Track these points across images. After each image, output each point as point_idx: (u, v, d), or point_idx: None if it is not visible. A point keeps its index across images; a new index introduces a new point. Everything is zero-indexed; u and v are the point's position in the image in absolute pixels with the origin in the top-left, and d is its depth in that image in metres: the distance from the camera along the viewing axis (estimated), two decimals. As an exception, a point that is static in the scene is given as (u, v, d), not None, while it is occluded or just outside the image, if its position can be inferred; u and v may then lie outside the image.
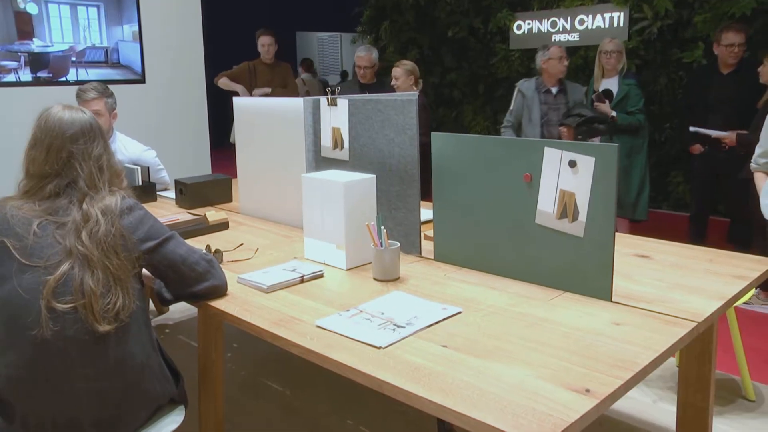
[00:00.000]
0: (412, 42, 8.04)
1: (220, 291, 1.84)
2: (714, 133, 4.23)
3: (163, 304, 1.83)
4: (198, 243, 2.40)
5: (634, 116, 4.51)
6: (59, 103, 1.72)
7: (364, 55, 4.97)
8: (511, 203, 1.95)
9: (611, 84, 4.62)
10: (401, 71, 4.68)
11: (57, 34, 4.66)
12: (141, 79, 5.06)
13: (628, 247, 2.31)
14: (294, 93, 5.74)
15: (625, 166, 4.50)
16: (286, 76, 5.78)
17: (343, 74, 13.40)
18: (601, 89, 4.63)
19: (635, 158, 4.55)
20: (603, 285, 1.78)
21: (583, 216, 1.78)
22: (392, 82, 4.72)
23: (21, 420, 1.52)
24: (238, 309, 1.77)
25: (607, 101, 4.55)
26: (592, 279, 1.79)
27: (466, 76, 7.82)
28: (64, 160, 1.62)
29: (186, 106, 5.36)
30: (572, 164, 1.78)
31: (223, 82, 5.56)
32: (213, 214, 2.67)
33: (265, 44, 5.64)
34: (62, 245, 1.55)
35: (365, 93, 3.77)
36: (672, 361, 3.11)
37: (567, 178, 1.80)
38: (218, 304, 1.81)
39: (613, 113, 4.48)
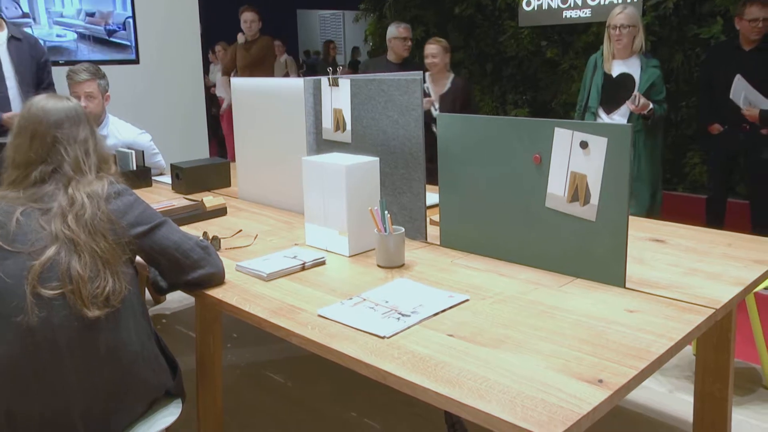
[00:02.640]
0: (417, 19, 7.99)
1: (217, 279, 1.84)
2: (745, 105, 4.14)
3: (158, 292, 1.83)
4: (195, 229, 2.40)
5: (661, 106, 3.82)
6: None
7: (402, 27, 4.86)
8: (520, 186, 1.93)
9: (626, 67, 3.90)
10: (438, 48, 4.54)
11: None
12: (135, 60, 5.05)
13: (642, 231, 2.30)
14: (268, 70, 5.71)
15: (640, 171, 3.90)
16: (260, 50, 5.73)
17: (354, 50, 13.33)
18: (615, 74, 3.90)
19: (652, 157, 3.92)
20: (616, 271, 1.77)
21: (595, 199, 1.76)
22: (428, 61, 4.62)
23: (5, 415, 1.51)
24: (237, 298, 1.76)
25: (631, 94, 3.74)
26: (605, 264, 1.78)
27: (473, 55, 7.78)
28: (48, 146, 1.62)
29: (182, 88, 5.35)
30: (584, 145, 1.76)
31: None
32: (210, 200, 2.66)
33: (247, 20, 5.62)
34: (47, 231, 1.55)
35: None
36: (689, 350, 3.11)
37: (578, 159, 1.78)
38: (215, 293, 1.80)
39: (651, 106, 3.72)
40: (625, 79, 3.83)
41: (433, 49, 4.58)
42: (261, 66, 5.61)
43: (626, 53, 3.84)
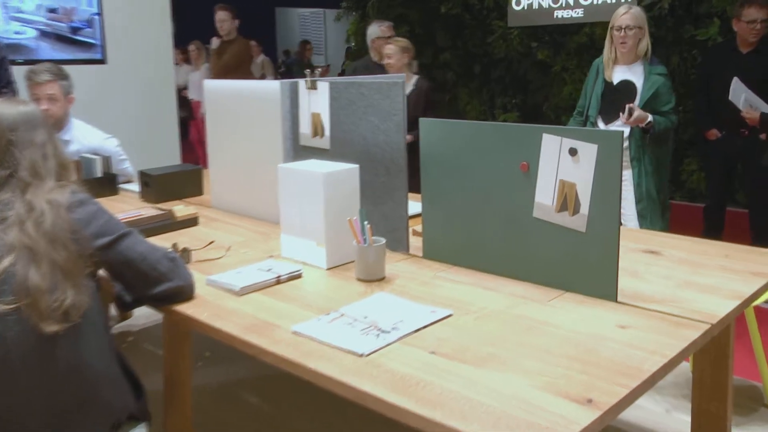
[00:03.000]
0: (402, 19, 8.02)
1: (185, 293, 1.83)
2: (745, 107, 4.15)
3: (123, 308, 1.82)
4: (164, 241, 2.39)
5: (668, 118, 3.64)
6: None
7: (385, 26, 4.88)
8: (506, 195, 1.94)
9: (630, 73, 3.72)
10: (394, 49, 4.62)
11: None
12: (101, 60, 5.03)
13: (635, 242, 2.31)
14: (245, 75, 5.70)
15: (663, 183, 3.75)
16: (234, 57, 5.72)
17: (349, 52, 13.27)
18: (616, 81, 3.73)
19: (659, 173, 3.74)
20: (607, 284, 1.78)
21: (585, 209, 1.77)
22: (384, 62, 4.68)
23: None
24: (207, 314, 1.76)
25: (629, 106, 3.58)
26: (596, 277, 1.79)
27: (460, 56, 7.81)
28: (2, 150, 1.61)
29: (153, 90, 5.33)
30: (573, 152, 1.77)
31: None
32: (181, 209, 2.65)
33: (218, 20, 5.61)
34: (2, 241, 1.53)
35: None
36: (687, 367, 3.12)
37: (567, 167, 1.79)
38: (184, 308, 1.79)
39: (650, 118, 3.56)
40: (626, 87, 3.69)
41: (389, 49, 4.63)
42: (236, 72, 5.61)
43: (630, 58, 3.68)
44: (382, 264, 2.00)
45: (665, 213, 3.77)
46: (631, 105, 3.54)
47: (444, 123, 2.06)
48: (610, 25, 3.73)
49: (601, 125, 3.77)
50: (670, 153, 3.84)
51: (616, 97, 3.68)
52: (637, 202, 3.70)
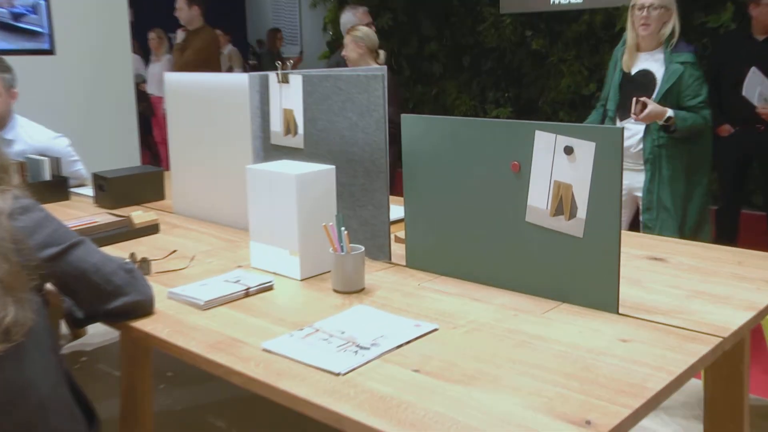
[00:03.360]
0: (383, 5, 8.05)
1: (144, 308, 1.83)
2: (760, 103, 4.13)
3: (75, 325, 1.81)
4: (121, 250, 2.38)
5: (698, 114, 3.49)
6: None
7: (361, 11, 4.89)
8: (496, 198, 1.95)
9: (652, 62, 3.59)
10: (348, 39, 4.64)
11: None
12: (49, 50, 5.00)
13: (638, 248, 2.33)
14: (213, 68, 5.67)
15: (684, 193, 3.59)
16: (196, 53, 5.69)
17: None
18: (634, 71, 3.62)
19: (698, 177, 3.61)
20: (607, 294, 1.79)
21: (582, 212, 1.79)
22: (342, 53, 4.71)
23: None
24: (168, 330, 1.75)
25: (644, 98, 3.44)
26: (595, 287, 1.81)
27: (448, 47, 7.85)
28: None
29: (108, 84, 5.31)
30: (568, 150, 1.79)
31: None
32: (140, 215, 2.65)
33: (177, 7, 5.58)
34: None
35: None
36: (698, 385, 3.15)
37: (562, 167, 1.81)
38: (143, 324, 1.79)
39: (670, 113, 3.42)
40: (644, 77, 3.57)
41: (345, 40, 4.66)
42: (203, 68, 5.60)
43: (653, 43, 3.54)
44: (361, 274, 2.01)
45: (685, 227, 3.58)
46: (643, 98, 3.42)
47: (428, 119, 2.08)
48: (631, 4, 3.59)
49: (618, 122, 3.68)
50: (707, 156, 3.64)
51: (633, 90, 3.56)
52: (644, 210, 3.59)
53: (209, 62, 5.77)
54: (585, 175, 1.77)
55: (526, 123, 1.87)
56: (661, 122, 3.44)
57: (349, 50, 4.61)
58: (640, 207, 3.63)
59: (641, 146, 3.55)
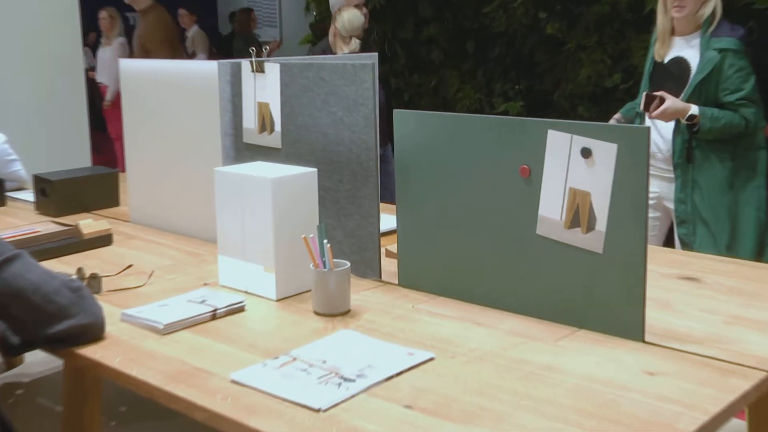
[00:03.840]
0: (376, -18, 8.07)
1: (93, 332, 1.82)
2: None
3: (10, 353, 1.81)
4: (66, 265, 2.38)
5: (737, 113, 3.39)
6: None
7: None
8: (502, 207, 1.96)
9: (688, 48, 3.52)
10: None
11: None
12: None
13: (668, 265, 2.34)
14: (171, 52, 5.65)
15: (728, 204, 3.50)
16: (149, 31, 5.67)
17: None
18: (668, 59, 3.57)
19: (748, 185, 3.50)
20: (631, 319, 1.80)
21: (602, 224, 1.80)
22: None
23: None
24: (121, 358, 1.75)
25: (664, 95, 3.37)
26: (616, 311, 1.81)
27: (449, 30, 7.86)
28: None
29: (53, 72, 5.30)
30: (586, 153, 1.79)
31: None
32: (90, 224, 2.64)
33: None
34: None
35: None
36: (741, 426, 3.14)
37: (579, 172, 1.82)
38: (91, 352, 1.79)
39: (694, 110, 3.35)
40: (677, 67, 3.52)
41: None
42: (155, 55, 5.58)
43: (689, 26, 3.49)
44: (347, 294, 2.01)
45: (737, 245, 3.47)
46: (660, 92, 3.39)
47: (423, 116, 2.08)
48: None
49: (647, 121, 3.60)
50: (757, 160, 3.50)
51: (665, 82, 3.52)
52: (678, 223, 3.55)
53: (162, 47, 5.75)
54: (605, 182, 1.78)
55: (538, 121, 1.88)
56: (684, 121, 3.39)
57: (330, 34, 4.68)
58: (674, 220, 3.60)
59: (670, 149, 3.53)
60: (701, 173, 3.48)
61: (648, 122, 3.57)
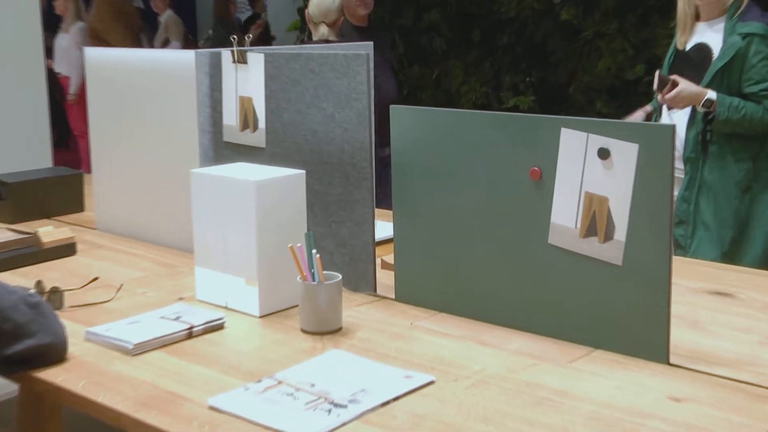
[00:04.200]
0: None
1: (53, 353, 1.82)
2: None
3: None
4: (24, 278, 2.38)
5: (761, 105, 3.37)
6: None
7: None
8: (511, 213, 1.96)
9: (711, 34, 3.53)
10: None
11: None
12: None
13: (696, 278, 2.35)
14: (124, 30, 5.62)
15: (737, 209, 3.47)
16: (104, 4, 5.66)
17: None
18: (689, 46, 3.60)
19: (762, 187, 3.49)
20: (655, 338, 1.80)
21: (621, 233, 1.80)
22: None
23: None
24: (85, 382, 1.75)
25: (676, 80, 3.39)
26: (638, 329, 1.81)
27: (452, 17, 7.87)
28: None
29: (10, 62, 5.30)
30: (604, 154, 1.80)
31: None
32: (51, 232, 2.64)
33: None
34: None
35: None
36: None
37: (596, 174, 1.82)
38: (51, 375, 1.78)
39: (710, 95, 3.37)
40: (699, 53, 3.55)
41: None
42: (108, 35, 5.56)
43: (714, 11, 3.50)
44: (338, 309, 2.02)
45: (743, 255, 3.46)
46: (673, 76, 3.41)
47: (424, 112, 2.09)
48: None
49: (665, 113, 3.67)
50: None
51: (685, 70, 3.52)
52: (676, 223, 3.48)
53: (114, 27, 5.72)
54: (625, 186, 1.78)
55: (550, 118, 1.88)
56: (700, 107, 3.39)
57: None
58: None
59: (683, 140, 3.53)
60: (712, 172, 3.46)
61: (665, 116, 3.57)
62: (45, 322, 1.80)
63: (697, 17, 3.56)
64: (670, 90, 3.38)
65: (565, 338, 1.91)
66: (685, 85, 3.36)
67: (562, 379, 1.73)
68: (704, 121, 3.43)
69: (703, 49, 3.53)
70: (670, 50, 3.71)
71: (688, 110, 3.48)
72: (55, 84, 8.31)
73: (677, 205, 3.50)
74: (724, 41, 3.42)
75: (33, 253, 2.57)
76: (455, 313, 2.09)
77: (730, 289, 2.27)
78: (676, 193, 3.51)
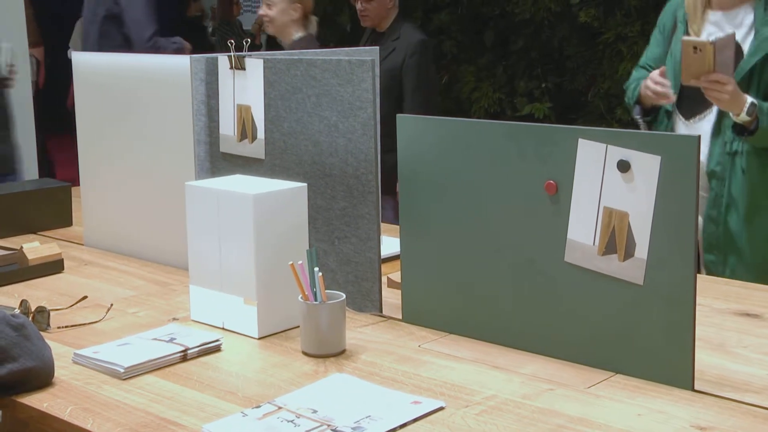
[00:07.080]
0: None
1: (38, 377, 1.83)
2: None
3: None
4: (7, 297, 2.39)
5: None
6: None
7: None
8: (525, 230, 1.97)
9: (731, 26, 3.21)
10: None
11: None
12: None
13: (722, 298, 2.35)
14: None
15: (731, 229, 3.24)
16: None
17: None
18: (705, 35, 3.19)
19: None
20: (678, 363, 1.80)
21: (642, 251, 1.81)
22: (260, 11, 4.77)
23: None
24: (72, 408, 1.75)
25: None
26: (660, 353, 1.82)
27: (463, 18, 7.88)
28: None
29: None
30: (624, 166, 1.80)
31: None
32: (36, 248, 2.65)
33: None
34: None
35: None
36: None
37: (615, 188, 1.83)
38: (36, 400, 1.79)
39: (750, 101, 3.00)
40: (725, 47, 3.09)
41: None
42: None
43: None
44: (342, 331, 2.02)
45: None
46: (719, 74, 2.97)
47: (433, 122, 2.10)
48: None
49: (680, 122, 3.38)
50: None
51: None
52: (706, 249, 3.28)
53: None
54: (646, 200, 1.79)
55: (566, 128, 1.89)
56: (736, 116, 3.04)
57: (277, 11, 4.77)
58: (701, 242, 3.27)
59: (708, 154, 3.23)
60: (742, 187, 3.19)
61: (680, 125, 3.34)
62: (29, 345, 1.80)
63: (708, 4, 3.26)
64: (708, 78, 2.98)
65: (583, 362, 1.91)
66: (733, 87, 2.97)
67: (580, 406, 1.73)
68: (734, 130, 3.12)
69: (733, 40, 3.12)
70: (676, 42, 3.33)
71: (711, 118, 3.23)
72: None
73: (705, 226, 3.27)
74: (757, 33, 3.12)
75: (17, 271, 2.58)
76: (466, 335, 2.10)
77: (759, 309, 2.27)
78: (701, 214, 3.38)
